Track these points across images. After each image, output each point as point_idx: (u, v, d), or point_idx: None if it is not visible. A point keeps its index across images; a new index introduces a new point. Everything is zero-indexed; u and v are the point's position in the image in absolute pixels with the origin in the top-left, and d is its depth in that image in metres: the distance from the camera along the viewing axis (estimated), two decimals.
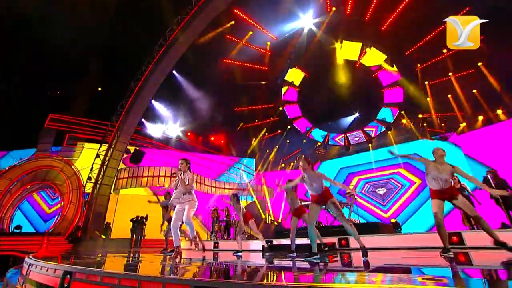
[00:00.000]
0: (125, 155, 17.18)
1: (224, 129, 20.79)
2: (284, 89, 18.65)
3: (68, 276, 3.54)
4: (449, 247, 4.49)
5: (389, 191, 17.64)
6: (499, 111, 15.50)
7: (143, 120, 18.79)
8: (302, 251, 6.17)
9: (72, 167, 15.07)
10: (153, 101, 18.50)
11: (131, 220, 15.94)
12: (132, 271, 3.60)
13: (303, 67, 17.58)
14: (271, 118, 19.91)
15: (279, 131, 20.23)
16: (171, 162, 20.04)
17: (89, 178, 15.51)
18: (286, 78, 18.12)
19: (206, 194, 18.90)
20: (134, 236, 15.76)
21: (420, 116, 16.97)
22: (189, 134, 20.73)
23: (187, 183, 5.06)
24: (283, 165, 22.12)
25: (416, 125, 16.65)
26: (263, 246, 7.78)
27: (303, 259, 4.78)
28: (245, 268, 4.08)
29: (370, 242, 7.24)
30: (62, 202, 14.97)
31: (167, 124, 19.62)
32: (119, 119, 16.63)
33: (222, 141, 21.74)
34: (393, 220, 14.41)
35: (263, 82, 18.08)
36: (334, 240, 8.12)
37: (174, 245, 5.10)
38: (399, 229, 12.66)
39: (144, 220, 16.31)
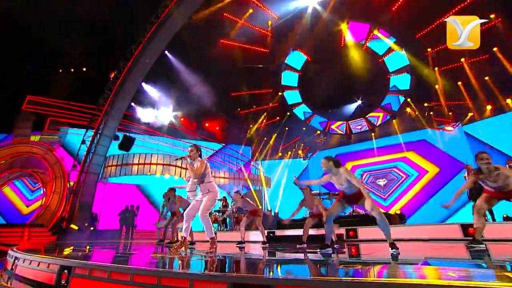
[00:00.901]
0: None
1: (220, 115, 19.76)
2: (284, 74, 17.62)
3: (66, 271, 3.10)
4: (481, 239, 4.31)
5: (390, 182, 17.10)
6: (509, 100, 14.95)
7: (133, 104, 17.57)
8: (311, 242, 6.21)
9: (55, 153, 13.89)
10: (143, 83, 17.26)
11: (119, 214, 15.06)
12: (150, 265, 3.19)
13: (306, 50, 16.55)
14: (270, 104, 18.93)
15: (277, 118, 19.29)
16: (163, 149, 19.01)
17: (74, 166, 14.36)
18: (287, 61, 17.08)
19: None
20: (124, 227, 15.09)
21: (425, 104, 16.29)
22: (182, 119, 19.62)
23: (199, 171, 4.53)
24: (280, 153, 21.32)
25: (422, 114, 15.96)
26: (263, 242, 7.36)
27: (317, 251, 4.60)
28: (270, 262, 3.68)
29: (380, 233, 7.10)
30: (44, 191, 13.84)
31: (159, 109, 18.44)
32: (107, 103, 15.41)
33: (217, 128, 20.73)
34: (398, 212, 13.90)
35: (262, 66, 17.01)
36: (342, 231, 7.99)
37: (182, 235, 4.74)
38: (403, 221, 12.17)
39: (136, 210, 15.53)
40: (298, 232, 9.00)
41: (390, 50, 15.35)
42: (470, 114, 15.74)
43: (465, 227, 6.83)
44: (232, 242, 8.78)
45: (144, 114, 18.02)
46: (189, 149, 4.84)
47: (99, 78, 15.83)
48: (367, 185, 17.22)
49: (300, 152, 20.42)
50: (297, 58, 16.95)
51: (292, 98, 18.67)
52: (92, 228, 14.60)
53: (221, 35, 16.32)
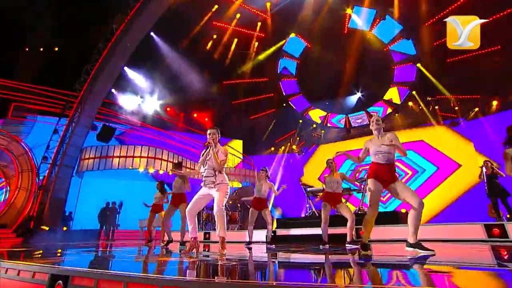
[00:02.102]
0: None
1: (210, 105, 18.32)
2: (281, 61, 16.37)
3: (61, 282, 2.36)
4: None
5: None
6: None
7: (113, 90, 15.96)
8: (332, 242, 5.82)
9: (22, 144, 12.20)
10: (126, 68, 15.65)
11: (99, 212, 13.61)
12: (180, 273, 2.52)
13: (306, 36, 15.32)
14: (265, 94, 17.66)
15: (273, 109, 18.04)
16: (147, 140, 17.50)
17: (45, 158, 12.71)
18: (285, 48, 15.82)
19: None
20: (104, 227, 13.64)
21: (428, 98, 15.42)
22: (168, 109, 18.10)
23: (222, 158, 4.06)
24: (272, 148, 20.13)
25: (427, 108, 15.09)
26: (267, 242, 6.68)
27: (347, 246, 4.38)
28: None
29: (394, 232, 6.97)
30: (8, 187, 12.16)
31: (143, 97, 16.86)
32: (83, 88, 13.77)
33: (206, 119, 19.31)
34: (403, 210, 13.13)
35: (258, 52, 15.70)
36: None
37: (190, 236, 4.25)
38: None
39: (118, 208, 14.11)
40: (302, 231, 8.37)
41: (397, 38, 14.31)
42: (475, 110, 15.03)
43: (488, 228, 6.39)
44: (232, 243, 8.05)
45: (126, 102, 16.43)
46: (212, 131, 4.19)
47: (74, 59, 14.11)
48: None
49: (294, 147, 19.29)
50: (296, 45, 15.71)
51: (289, 88, 17.45)
52: (65, 228, 13.09)
53: (214, 17, 14.88)
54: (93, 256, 4.64)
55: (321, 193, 6.18)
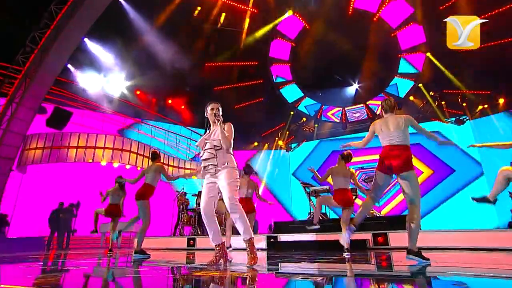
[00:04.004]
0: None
1: (188, 91, 16.07)
2: (274, 43, 14.44)
3: None
4: None
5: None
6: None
7: (70, 66, 13.29)
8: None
9: None
10: (86, 39, 12.99)
11: (50, 214, 11.26)
12: None
13: (304, 15, 13.49)
14: (253, 81, 15.69)
15: (261, 98, 16.12)
16: (110, 129, 15.01)
17: None
18: (279, 27, 13.90)
19: None
20: (56, 233, 11.41)
21: (431, 93, 14.31)
22: (138, 92, 15.63)
23: (231, 137, 3.39)
24: (256, 143, 18.29)
25: (433, 103, 13.96)
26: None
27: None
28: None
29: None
30: None
31: (107, 76, 14.27)
32: (29, 60, 11.07)
33: (183, 107, 17.05)
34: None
35: (248, 31, 13.67)
36: (367, 236, 6.85)
37: (213, 243, 3.41)
38: None
39: (74, 209, 12.04)
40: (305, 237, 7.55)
41: (406, 23, 12.90)
42: (480, 107, 14.14)
43: None
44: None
45: (86, 81, 13.78)
46: (215, 106, 3.57)
47: (15, 26, 11.40)
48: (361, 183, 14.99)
49: (281, 142, 17.56)
50: (292, 24, 13.83)
51: (281, 74, 15.60)
52: None
53: None
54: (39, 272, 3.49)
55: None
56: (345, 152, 5.54)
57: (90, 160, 13.52)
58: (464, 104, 13.67)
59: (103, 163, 13.77)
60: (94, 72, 13.90)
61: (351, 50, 13.71)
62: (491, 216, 12.68)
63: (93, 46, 13.35)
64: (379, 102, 15.53)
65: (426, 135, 3.67)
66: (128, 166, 14.22)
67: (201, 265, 3.64)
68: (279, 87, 15.86)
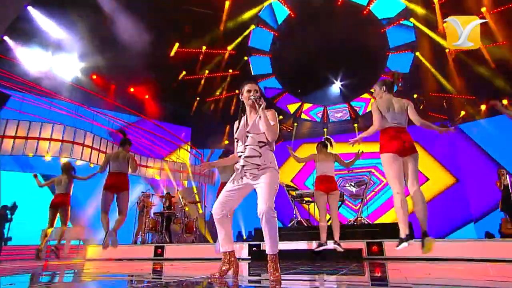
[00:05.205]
0: None
1: (153, 78, 14.39)
2: (255, 31, 13.25)
3: None
4: None
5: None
6: (505, 101, 13.63)
7: (7, 39, 11.14)
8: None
9: None
10: (30, 7, 10.90)
11: None
12: None
13: (290, 2, 12.44)
14: (228, 72, 14.41)
15: (236, 92, 14.89)
16: (60, 118, 12.92)
17: None
18: (261, 14, 12.74)
19: None
20: None
21: (415, 96, 14.05)
22: (95, 77, 13.68)
23: (272, 123, 2.87)
24: (226, 141, 17.05)
25: (418, 106, 13.66)
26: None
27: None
28: None
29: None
30: None
31: (56, 54, 12.21)
32: None
33: (147, 96, 15.31)
34: None
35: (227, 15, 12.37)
36: (360, 245, 6.53)
37: (219, 250, 3.16)
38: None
39: (8, 212, 10.38)
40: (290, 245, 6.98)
41: (397, 19, 12.37)
42: (462, 113, 14.10)
43: None
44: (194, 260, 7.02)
45: (29, 59, 11.63)
46: (254, 87, 3.03)
47: None
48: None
49: None
50: (276, 11, 12.73)
51: (260, 67, 14.47)
52: None
53: None
54: None
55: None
56: (324, 139, 5.74)
57: (31, 154, 11.54)
58: (449, 109, 13.52)
59: (48, 157, 11.83)
60: (39, 48, 11.79)
61: (337, 44, 12.97)
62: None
63: (38, 17, 11.23)
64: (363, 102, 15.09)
65: (422, 125, 3.55)
66: (79, 162, 12.34)
67: (205, 278, 3.13)
68: (258, 81, 14.74)
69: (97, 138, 13.08)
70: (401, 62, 13.39)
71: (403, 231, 3.50)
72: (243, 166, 2.89)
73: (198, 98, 15.06)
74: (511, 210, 8.37)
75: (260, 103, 2.88)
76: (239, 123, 3.09)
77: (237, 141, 3.07)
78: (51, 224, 6.87)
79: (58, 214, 6.85)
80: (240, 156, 2.94)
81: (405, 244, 3.49)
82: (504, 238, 9.00)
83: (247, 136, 2.95)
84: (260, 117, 2.86)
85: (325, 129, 15.38)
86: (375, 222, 13.07)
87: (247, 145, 2.91)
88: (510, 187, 8.17)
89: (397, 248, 3.55)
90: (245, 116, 3.09)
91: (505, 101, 13.44)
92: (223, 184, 5.68)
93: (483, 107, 13.71)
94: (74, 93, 13.27)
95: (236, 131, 3.09)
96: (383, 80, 3.85)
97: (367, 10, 12.39)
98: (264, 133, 2.90)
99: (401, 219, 3.46)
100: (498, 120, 12.88)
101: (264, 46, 13.90)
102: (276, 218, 2.79)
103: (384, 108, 3.59)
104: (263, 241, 2.91)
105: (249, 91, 3.02)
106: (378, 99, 3.75)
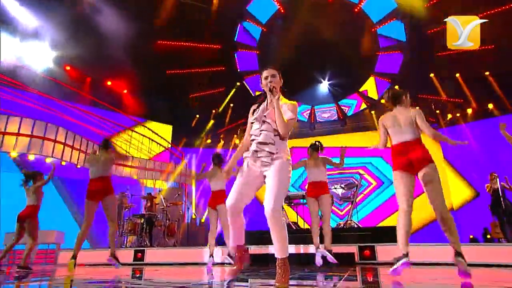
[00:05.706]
0: None
1: (133, 71, 13.63)
2: (242, 25, 12.78)
3: None
4: None
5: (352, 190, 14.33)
6: (490, 105, 13.77)
7: None
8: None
9: None
10: None
11: None
12: None
13: None
14: (213, 67, 13.85)
15: (221, 88, 14.36)
16: (29, 112, 11.97)
17: None
18: (249, 8, 12.28)
19: None
20: None
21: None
22: (68, 68, 12.80)
23: (289, 116, 2.67)
24: (209, 140, 16.48)
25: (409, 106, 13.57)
26: None
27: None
28: None
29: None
30: None
31: (25, 41, 11.30)
32: None
33: (125, 91, 14.51)
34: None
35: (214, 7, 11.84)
36: (352, 249, 6.45)
37: (231, 245, 2.96)
38: None
39: None
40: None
41: (388, 18, 12.20)
42: (449, 116, 14.13)
43: None
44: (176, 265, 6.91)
45: None
46: (273, 73, 2.85)
47: None
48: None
49: (238, 141, 15.96)
50: (264, 6, 12.30)
51: (246, 63, 13.98)
52: None
53: None
54: None
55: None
56: (315, 142, 5.68)
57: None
58: (438, 111, 13.48)
59: (14, 154, 10.91)
60: (8, 34, 10.86)
61: (326, 42, 12.67)
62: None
63: (8, 1, 10.34)
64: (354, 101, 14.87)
65: (434, 136, 3.41)
66: (48, 160, 11.44)
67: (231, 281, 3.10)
68: (244, 77, 14.25)
69: (70, 134, 12.21)
70: (391, 62, 13.26)
71: (400, 251, 3.26)
72: (256, 151, 2.69)
73: (180, 94, 14.40)
74: (500, 214, 8.35)
75: (275, 92, 2.70)
76: (257, 107, 2.92)
77: (251, 124, 2.89)
78: (17, 239, 5.93)
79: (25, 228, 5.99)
80: (253, 140, 2.73)
81: (398, 264, 3.16)
82: (489, 243, 9.08)
83: (264, 122, 2.76)
84: (281, 106, 2.68)
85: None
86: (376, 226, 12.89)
87: (262, 130, 2.72)
88: (500, 191, 8.18)
89: (390, 270, 3.22)
90: (266, 100, 2.89)
91: (490, 105, 13.66)
92: (214, 193, 5.56)
93: (469, 110, 13.78)
94: (46, 85, 12.35)
95: (253, 113, 2.91)
96: (388, 91, 3.74)
97: (358, 8, 12.17)
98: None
99: (399, 238, 3.30)
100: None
101: (251, 41, 13.43)
102: (283, 215, 2.54)
103: (388, 124, 3.50)
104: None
105: (266, 77, 2.85)
106: (383, 116, 3.65)
